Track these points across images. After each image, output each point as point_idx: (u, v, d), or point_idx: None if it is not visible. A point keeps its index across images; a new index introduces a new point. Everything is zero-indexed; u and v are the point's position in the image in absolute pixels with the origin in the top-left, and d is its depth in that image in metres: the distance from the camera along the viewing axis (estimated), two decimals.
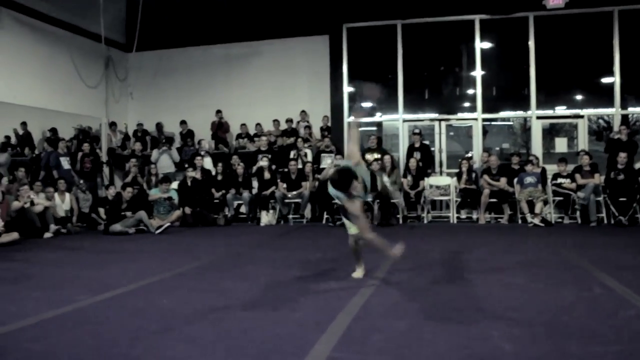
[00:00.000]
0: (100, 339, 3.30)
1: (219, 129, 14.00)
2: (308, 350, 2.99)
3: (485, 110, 12.81)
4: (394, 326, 3.44)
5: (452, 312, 3.79)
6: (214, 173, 12.09)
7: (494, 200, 10.62)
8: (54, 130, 13.91)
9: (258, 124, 13.60)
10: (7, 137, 14.54)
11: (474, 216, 11.12)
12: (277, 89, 13.85)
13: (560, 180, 10.53)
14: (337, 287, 4.24)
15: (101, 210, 10.67)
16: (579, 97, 12.91)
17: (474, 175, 11.04)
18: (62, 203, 10.42)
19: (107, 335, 3.38)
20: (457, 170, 11.45)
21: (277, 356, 2.95)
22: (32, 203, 9.47)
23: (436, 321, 3.56)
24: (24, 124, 14.42)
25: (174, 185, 11.60)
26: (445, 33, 13.03)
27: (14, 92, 11.47)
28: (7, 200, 9.07)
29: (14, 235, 8.50)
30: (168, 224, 10.12)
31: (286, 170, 11.59)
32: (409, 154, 11.86)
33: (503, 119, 13.60)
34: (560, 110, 12.90)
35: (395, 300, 4.17)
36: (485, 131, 13.01)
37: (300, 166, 11.62)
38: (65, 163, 11.48)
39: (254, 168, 12.07)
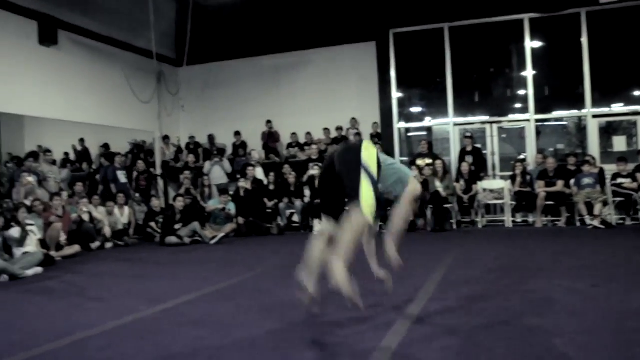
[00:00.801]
0: (161, 349, 3.37)
1: (270, 138, 14.17)
2: (368, 356, 2.98)
3: (538, 110, 12.50)
4: (452, 332, 3.39)
5: (512, 318, 3.70)
6: (265, 183, 12.21)
7: (551, 202, 10.35)
8: (106, 146, 14.41)
9: (308, 133, 13.68)
10: (67, 154, 15.12)
11: (530, 219, 10.87)
12: (326, 97, 13.91)
13: (620, 180, 10.18)
14: (393, 293, 4.20)
15: (152, 224, 10.93)
16: (637, 93, 12.46)
17: (528, 177, 10.79)
18: (121, 216, 10.72)
19: (168, 345, 3.45)
20: (510, 173, 11.22)
21: None
22: (91, 217, 9.78)
23: (496, 327, 3.48)
24: (82, 140, 14.99)
25: None
26: (494, 34, 12.79)
27: (72, 110, 11.89)
28: (68, 214, 9.38)
29: (76, 248, 8.80)
30: (223, 234, 10.26)
31: None
32: (461, 158, 11.69)
33: (557, 119, 13.25)
34: (617, 107, 12.47)
35: (453, 305, 4.11)
36: (538, 132, 12.70)
37: None
38: (122, 177, 11.83)
39: (306, 177, 12.12)
